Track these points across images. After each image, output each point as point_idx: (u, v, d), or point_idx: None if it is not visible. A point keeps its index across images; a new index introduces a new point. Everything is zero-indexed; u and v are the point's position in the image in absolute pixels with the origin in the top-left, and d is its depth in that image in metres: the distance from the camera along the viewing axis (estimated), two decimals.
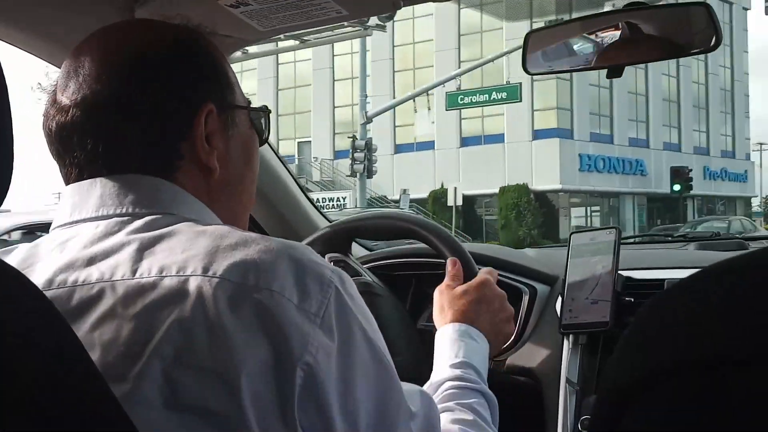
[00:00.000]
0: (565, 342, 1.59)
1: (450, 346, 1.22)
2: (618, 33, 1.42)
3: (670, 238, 2.58)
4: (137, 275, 0.79)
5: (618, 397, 0.50)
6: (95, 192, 0.88)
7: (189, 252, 0.79)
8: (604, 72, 1.43)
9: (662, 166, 34.14)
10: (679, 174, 26.06)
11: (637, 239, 2.54)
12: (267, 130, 1.06)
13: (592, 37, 1.44)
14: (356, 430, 0.78)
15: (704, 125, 41.52)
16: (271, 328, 0.75)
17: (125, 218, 0.86)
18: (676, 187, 25.59)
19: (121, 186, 0.88)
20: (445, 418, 1.05)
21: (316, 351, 0.76)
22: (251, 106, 1.02)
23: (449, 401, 1.11)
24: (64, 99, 0.89)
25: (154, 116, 0.89)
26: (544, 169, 30.58)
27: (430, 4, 1.59)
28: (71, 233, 0.87)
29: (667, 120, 37.97)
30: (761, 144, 60.40)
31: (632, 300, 1.56)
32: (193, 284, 0.76)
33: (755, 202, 50.53)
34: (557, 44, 1.48)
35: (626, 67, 1.43)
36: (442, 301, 1.32)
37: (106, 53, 0.91)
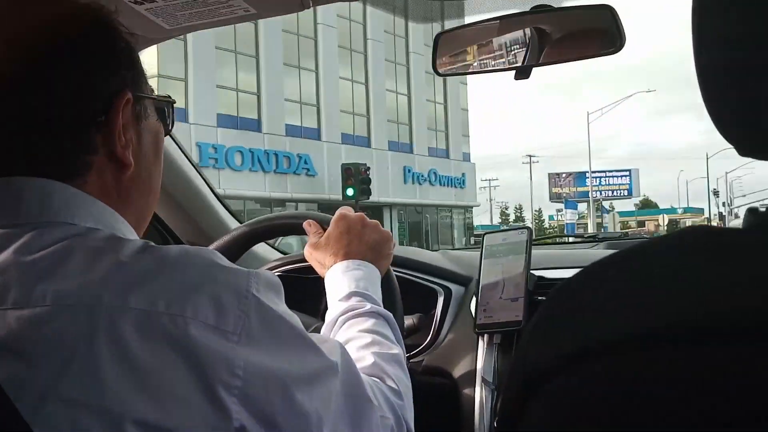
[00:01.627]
0: (480, 341, 1.61)
1: (334, 286, 1.23)
2: (526, 35, 1.44)
3: (581, 239, 2.64)
4: (30, 304, 0.70)
5: (526, 384, 0.50)
6: None
7: (88, 276, 0.71)
8: None
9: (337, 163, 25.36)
10: (351, 173, 18.39)
11: (548, 240, 2.59)
12: (171, 121, 0.99)
13: (501, 38, 1.45)
14: (306, 421, 0.77)
15: (407, 103, 34.62)
16: (190, 358, 0.70)
17: (9, 230, 0.76)
18: (350, 192, 18.01)
19: (4, 191, 0.79)
20: (350, 350, 1.03)
21: (244, 370, 0.72)
22: (157, 95, 0.95)
23: (346, 332, 1.12)
24: None
25: (65, 105, 0.80)
26: None
27: None
28: None
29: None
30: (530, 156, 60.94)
31: (544, 299, 1.58)
32: (96, 315, 0.69)
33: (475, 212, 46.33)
34: (466, 45, 1.49)
35: None
36: (316, 257, 1.32)
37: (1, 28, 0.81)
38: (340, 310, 1.17)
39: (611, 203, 59.23)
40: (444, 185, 36.63)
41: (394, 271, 1.44)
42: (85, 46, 0.83)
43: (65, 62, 0.81)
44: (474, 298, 1.67)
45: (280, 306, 0.80)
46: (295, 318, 0.81)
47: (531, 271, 1.60)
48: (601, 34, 1.40)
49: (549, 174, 55.94)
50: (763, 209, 0.47)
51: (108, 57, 0.85)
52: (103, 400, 0.67)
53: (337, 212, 1.35)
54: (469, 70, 1.50)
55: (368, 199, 18.44)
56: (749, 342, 0.41)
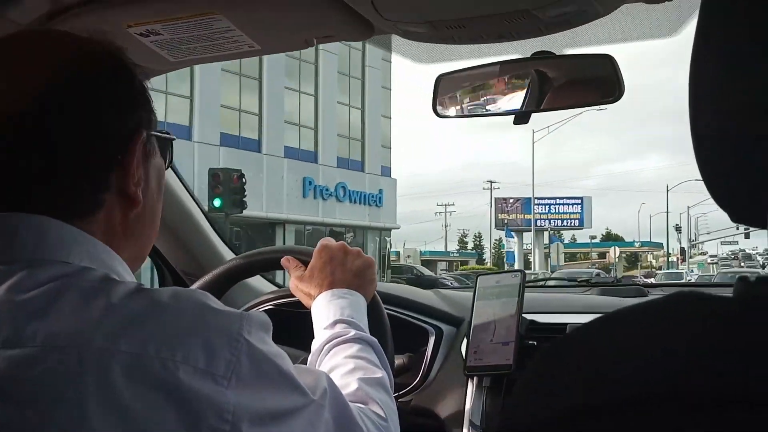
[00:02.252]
0: (470, 384, 1.60)
1: (320, 315, 1.24)
2: (526, 80, 1.46)
3: (574, 283, 2.64)
4: (20, 344, 0.69)
5: None
6: None
7: (80, 317, 0.71)
8: None
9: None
10: (220, 180, 14.56)
11: (540, 283, 2.59)
12: (170, 155, 1.00)
13: (501, 83, 1.47)
14: None
15: (313, 104, 29.17)
16: (179, 403, 0.69)
17: (3, 267, 0.75)
18: (216, 202, 14.25)
19: (1, 227, 0.78)
20: (335, 380, 1.03)
21: (233, 414, 0.72)
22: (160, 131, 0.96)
23: (331, 360, 1.13)
24: None
25: (82, 146, 0.80)
26: None
27: None
28: None
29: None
30: (491, 182, 56.70)
31: (535, 343, 1.59)
32: (85, 357, 0.68)
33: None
34: (466, 88, 1.50)
35: None
36: (302, 290, 1.34)
37: (17, 66, 0.81)
38: (325, 337, 1.18)
39: (560, 233, 56.24)
40: (355, 202, 31.51)
41: (386, 309, 1.44)
42: (106, 86, 0.84)
43: (86, 102, 0.81)
44: (465, 340, 1.67)
45: (270, 347, 0.80)
46: (282, 356, 0.81)
47: (523, 315, 1.59)
48: (601, 83, 1.42)
49: (495, 198, 50.98)
50: (753, 279, 0.48)
51: (126, 97, 0.86)
52: None
53: (319, 243, 1.37)
54: (468, 113, 1.51)
55: (241, 212, 15.21)
56: (729, 410, 0.41)
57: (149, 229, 0.94)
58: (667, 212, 55.71)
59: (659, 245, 64.88)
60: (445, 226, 68.06)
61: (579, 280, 2.63)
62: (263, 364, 0.77)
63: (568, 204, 49.23)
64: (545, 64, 1.44)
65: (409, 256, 42.65)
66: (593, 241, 71.25)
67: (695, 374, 0.43)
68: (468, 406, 1.58)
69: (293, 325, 1.58)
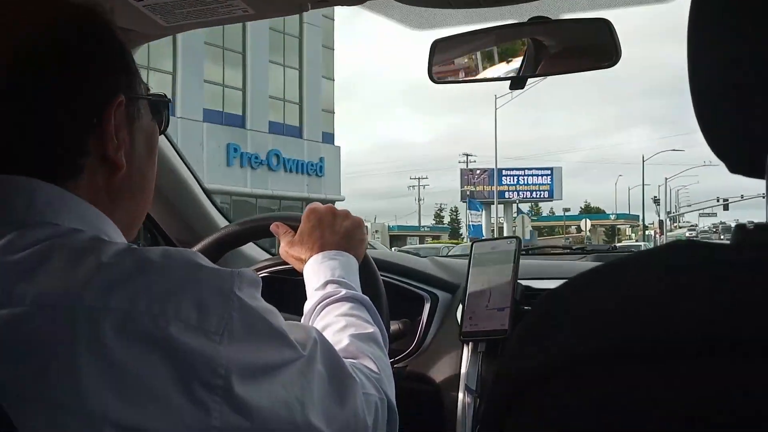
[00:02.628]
0: (465, 349, 1.61)
1: (312, 277, 1.26)
2: (523, 45, 1.45)
3: (569, 250, 2.65)
4: (10, 304, 0.69)
5: (511, 391, 0.50)
6: None
7: (68, 277, 0.71)
8: None
9: None
10: None
11: (536, 251, 2.60)
12: (166, 119, 0.99)
13: (497, 48, 1.46)
14: (289, 410, 0.78)
15: (241, 63, 26.65)
16: (170, 358, 0.69)
17: None
18: None
19: None
20: (327, 338, 1.04)
21: (226, 369, 0.72)
22: (151, 93, 0.95)
23: (324, 319, 1.14)
24: None
25: (57, 109, 0.80)
26: None
27: None
28: None
29: None
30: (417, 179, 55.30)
31: (530, 309, 1.59)
32: (75, 315, 0.68)
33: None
34: (462, 53, 1.49)
35: None
36: (293, 255, 1.35)
37: None
38: (316, 298, 1.19)
39: (537, 206, 53.44)
40: (291, 171, 28.84)
41: (382, 275, 1.44)
42: (77, 48, 0.82)
43: (56, 65, 0.80)
44: (460, 306, 1.67)
45: (261, 303, 0.81)
46: (273, 312, 0.82)
47: (518, 281, 1.60)
48: (598, 47, 1.41)
49: (461, 170, 47.60)
50: (751, 226, 0.48)
51: (101, 60, 0.85)
52: (82, 402, 0.66)
53: (307, 208, 1.38)
54: (464, 78, 1.50)
55: None
56: (719, 357, 0.41)
57: (140, 192, 0.93)
58: (643, 183, 54.19)
59: (636, 217, 62.86)
60: (419, 199, 65.68)
61: (574, 247, 2.64)
62: (255, 320, 0.77)
63: (538, 175, 46.15)
64: (542, 29, 1.43)
65: (377, 231, 39.76)
66: (567, 213, 68.89)
67: (688, 320, 0.43)
68: (464, 370, 1.58)
69: (288, 292, 1.58)
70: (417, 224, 61.90)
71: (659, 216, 56.70)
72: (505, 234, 36.84)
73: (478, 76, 1.49)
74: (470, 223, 41.44)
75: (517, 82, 1.45)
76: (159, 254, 0.76)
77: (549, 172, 45.94)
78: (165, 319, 0.70)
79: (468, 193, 45.36)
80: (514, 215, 40.45)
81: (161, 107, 0.97)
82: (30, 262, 0.72)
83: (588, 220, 51.81)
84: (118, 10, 0.88)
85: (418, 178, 66.75)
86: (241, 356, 0.74)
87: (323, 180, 30.39)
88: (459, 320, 1.66)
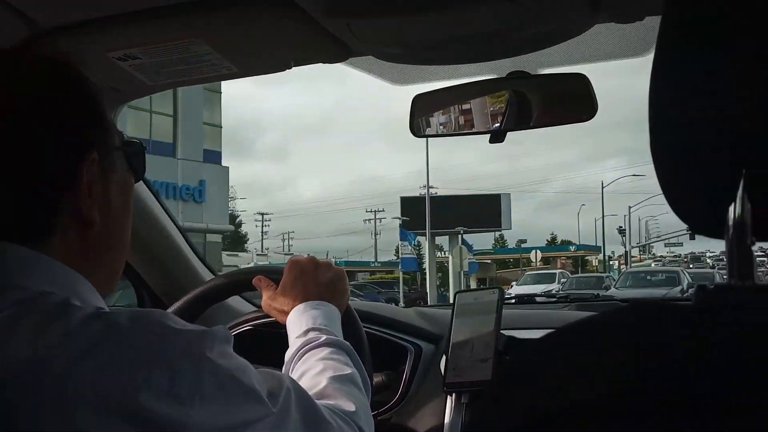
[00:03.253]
0: (449, 400, 1.60)
1: (293, 327, 1.25)
2: (503, 100, 1.47)
3: (553, 300, 2.66)
4: None
5: None
6: None
7: (36, 345, 0.69)
8: None
9: None
10: None
11: (517, 300, 2.60)
12: (142, 166, 0.97)
13: (477, 103, 1.49)
14: None
15: None
16: (138, 426, 0.68)
17: None
18: None
19: None
20: (305, 382, 1.05)
21: None
22: (125, 140, 0.93)
23: (303, 365, 1.14)
24: None
25: (28, 167, 0.78)
26: None
27: None
28: None
29: None
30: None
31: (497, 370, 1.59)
32: (42, 385, 0.67)
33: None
34: (442, 108, 1.52)
35: None
36: (275, 307, 1.34)
37: None
38: (297, 345, 1.19)
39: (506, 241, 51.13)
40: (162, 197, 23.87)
41: (365, 326, 1.45)
42: (48, 105, 0.81)
43: (27, 122, 0.79)
44: (444, 357, 1.67)
45: (232, 360, 0.80)
46: (244, 369, 0.81)
47: (501, 331, 1.60)
48: (575, 101, 1.44)
49: (401, 198, 39.02)
50: (711, 287, 0.49)
51: (73, 115, 0.83)
52: None
53: (289, 260, 1.38)
54: (444, 132, 1.53)
55: None
56: (686, 415, 0.42)
57: (116, 246, 0.92)
58: (603, 212, 53.51)
59: (597, 249, 61.43)
60: (375, 234, 59.59)
61: (558, 296, 2.64)
62: (226, 380, 0.77)
63: (484, 203, 38.74)
64: (521, 83, 1.46)
65: None
66: (523, 246, 67.66)
67: (654, 379, 0.44)
68: (447, 421, 1.58)
69: (272, 345, 1.58)
70: (373, 259, 59.33)
71: (625, 247, 56.00)
72: (450, 268, 33.61)
73: (459, 131, 1.51)
74: (402, 256, 37.91)
75: (497, 136, 1.48)
76: (127, 318, 0.75)
77: (496, 199, 39.19)
78: (135, 387, 0.69)
79: (401, 222, 38.02)
80: (460, 245, 34.44)
81: (136, 155, 0.95)
82: None
83: (539, 251, 50.92)
84: (105, 69, 0.89)
85: (375, 211, 60.80)
86: (213, 418, 0.74)
87: (204, 206, 26.53)
88: (443, 371, 1.66)
